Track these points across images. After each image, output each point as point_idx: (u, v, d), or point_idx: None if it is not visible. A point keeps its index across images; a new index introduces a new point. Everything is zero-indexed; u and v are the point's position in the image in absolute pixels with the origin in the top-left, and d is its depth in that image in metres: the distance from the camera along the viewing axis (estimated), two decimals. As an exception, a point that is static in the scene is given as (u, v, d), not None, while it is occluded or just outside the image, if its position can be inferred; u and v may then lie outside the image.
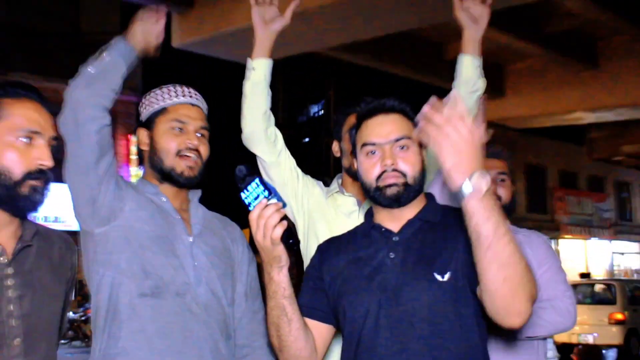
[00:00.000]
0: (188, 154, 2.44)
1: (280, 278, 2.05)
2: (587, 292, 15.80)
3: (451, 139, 1.76)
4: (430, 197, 2.27)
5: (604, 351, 15.39)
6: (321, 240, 2.78)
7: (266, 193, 1.97)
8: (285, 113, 24.18)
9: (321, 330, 2.21)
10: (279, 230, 1.95)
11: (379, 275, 2.11)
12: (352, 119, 3.07)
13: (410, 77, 15.22)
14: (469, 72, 2.97)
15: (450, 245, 2.08)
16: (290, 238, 1.98)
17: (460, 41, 3.03)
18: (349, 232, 2.35)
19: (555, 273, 3.18)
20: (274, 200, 1.97)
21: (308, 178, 3.12)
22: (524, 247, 2.99)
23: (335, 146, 3.19)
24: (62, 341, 16.69)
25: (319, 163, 12.70)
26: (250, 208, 1.98)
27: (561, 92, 15.87)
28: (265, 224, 1.94)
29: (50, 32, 17.51)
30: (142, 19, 2.38)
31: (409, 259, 2.10)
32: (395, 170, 2.11)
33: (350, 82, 21.95)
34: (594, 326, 14.40)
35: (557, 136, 29.14)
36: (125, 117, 14.92)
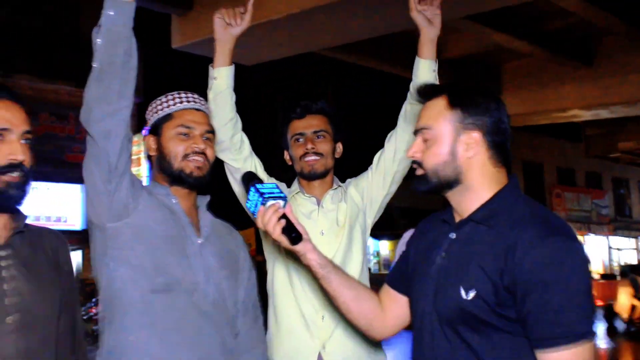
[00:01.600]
0: (195, 157, 2.47)
1: (309, 263, 2.18)
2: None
3: None
4: (509, 184, 2.06)
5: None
6: None
7: (260, 199, 2.08)
8: (284, 111, 24.18)
9: (400, 300, 2.27)
10: (278, 229, 2.06)
11: (428, 276, 2.06)
12: (292, 126, 3.16)
13: (403, 75, 15.23)
14: (425, 75, 2.99)
15: (492, 256, 1.89)
16: (292, 232, 2.09)
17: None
18: (441, 213, 2.24)
19: None
20: (270, 202, 2.08)
21: (273, 180, 3.14)
22: None
23: (286, 155, 3.23)
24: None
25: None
26: (254, 216, 2.12)
27: (557, 90, 15.81)
28: (267, 227, 2.07)
29: (51, 34, 17.54)
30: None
31: (451, 264, 2.01)
32: (414, 162, 2.12)
33: (348, 80, 21.97)
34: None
35: (554, 133, 29.11)
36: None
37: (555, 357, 1.80)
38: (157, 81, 15.72)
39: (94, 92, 2.20)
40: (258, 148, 3.22)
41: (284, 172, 3.28)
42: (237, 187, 3.12)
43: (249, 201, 2.14)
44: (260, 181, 2.16)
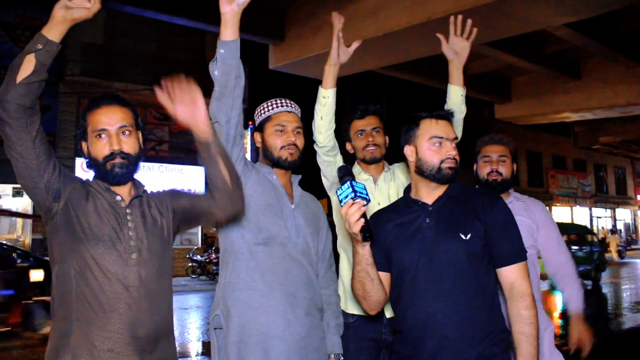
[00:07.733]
0: (289, 148, 2.47)
1: (363, 252, 2.04)
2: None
3: None
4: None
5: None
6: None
7: (352, 194, 1.90)
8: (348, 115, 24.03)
9: (387, 277, 2.19)
10: (358, 226, 1.91)
11: (418, 235, 2.11)
12: (355, 125, 3.02)
13: (439, 87, 14.99)
14: (456, 99, 2.83)
15: (471, 215, 2.09)
16: (367, 232, 1.93)
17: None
18: (392, 205, 2.34)
19: (557, 242, 2.95)
20: (358, 201, 1.90)
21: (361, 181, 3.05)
22: (522, 212, 2.87)
23: (348, 145, 3.08)
24: (193, 276, 17.16)
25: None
26: (341, 204, 1.93)
27: (553, 97, 15.44)
28: (349, 219, 1.91)
29: (185, 60, 17.87)
30: None
31: (441, 224, 2.10)
32: (454, 158, 2.14)
33: (397, 92, 21.71)
34: None
35: (550, 130, 28.35)
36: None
37: (513, 269, 2.06)
38: (259, 92, 15.86)
39: (215, 107, 2.24)
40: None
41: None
42: (326, 169, 2.95)
43: (340, 190, 1.93)
44: (354, 178, 1.98)
